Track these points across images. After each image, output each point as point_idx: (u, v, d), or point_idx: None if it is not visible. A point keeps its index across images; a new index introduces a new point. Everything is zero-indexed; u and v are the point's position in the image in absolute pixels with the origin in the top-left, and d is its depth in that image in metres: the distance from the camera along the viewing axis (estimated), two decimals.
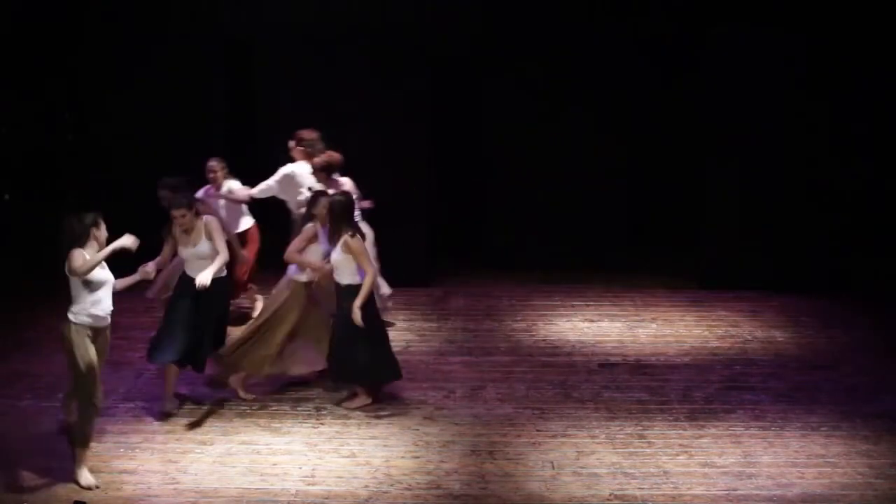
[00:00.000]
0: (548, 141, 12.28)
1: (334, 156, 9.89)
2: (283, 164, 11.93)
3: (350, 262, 8.43)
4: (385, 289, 10.13)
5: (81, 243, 7.33)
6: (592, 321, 10.91)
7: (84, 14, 12.37)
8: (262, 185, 10.23)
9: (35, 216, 12.66)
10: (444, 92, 12.24)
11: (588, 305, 11.36)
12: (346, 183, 9.98)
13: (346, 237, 8.41)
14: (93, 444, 8.02)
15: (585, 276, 12.04)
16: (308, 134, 10.18)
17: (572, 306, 11.32)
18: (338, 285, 8.56)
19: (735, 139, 11.66)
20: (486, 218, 12.69)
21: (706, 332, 10.59)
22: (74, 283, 7.41)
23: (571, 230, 12.33)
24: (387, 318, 9.97)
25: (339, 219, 8.48)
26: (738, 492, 7.40)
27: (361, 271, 8.45)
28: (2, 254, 12.25)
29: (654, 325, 10.78)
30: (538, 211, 12.40)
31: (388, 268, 10.89)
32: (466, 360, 9.81)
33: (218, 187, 10.27)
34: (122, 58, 12.27)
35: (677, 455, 7.93)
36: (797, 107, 11.51)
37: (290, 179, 10.12)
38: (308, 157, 10.12)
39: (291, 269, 8.85)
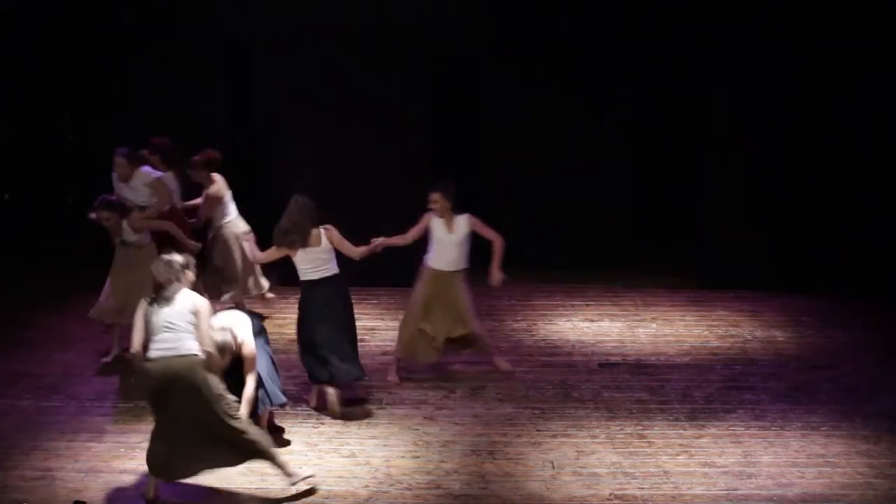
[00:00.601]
0: (548, 141, 12.27)
1: (214, 153, 10.15)
2: (281, 162, 11.98)
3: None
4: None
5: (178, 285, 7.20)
6: (592, 321, 10.90)
7: (84, 14, 12.37)
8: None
9: (35, 216, 12.68)
10: (443, 92, 12.22)
11: (588, 305, 11.36)
12: (219, 181, 10.15)
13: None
14: (92, 445, 8.08)
15: (585, 276, 12.04)
16: (162, 140, 10.36)
17: (572, 306, 11.32)
18: None
19: (735, 139, 11.66)
20: (486, 218, 12.65)
21: (706, 332, 10.59)
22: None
23: (572, 230, 12.31)
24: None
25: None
26: (738, 492, 7.40)
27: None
28: (2, 254, 12.25)
29: (654, 325, 10.78)
30: (538, 211, 12.39)
31: (389, 267, 10.89)
32: (466, 360, 9.80)
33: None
34: (121, 58, 12.27)
35: (677, 455, 7.93)
36: (797, 106, 11.50)
37: (159, 188, 10.13)
38: (165, 163, 10.29)
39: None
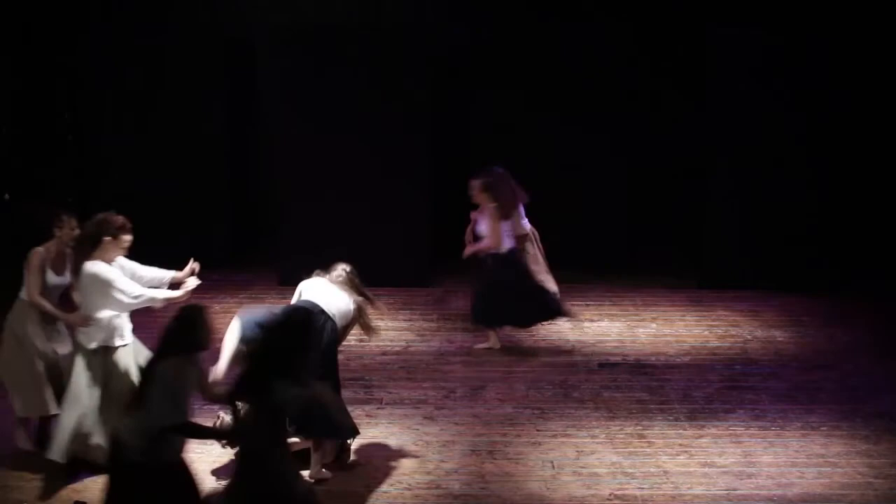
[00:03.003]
0: (547, 140, 12.27)
1: None
2: (280, 162, 11.96)
3: None
4: None
5: None
6: (592, 321, 10.90)
7: (84, 14, 12.37)
8: None
9: (35, 216, 12.66)
10: (443, 91, 12.23)
11: (588, 305, 11.36)
12: None
13: None
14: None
15: (585, 276, 12.04)
16: None
17: (572, 306, 11.30)
18: None
19: (735, 139, 11.66)
20: None
21: (706, 332, 10.59)
22: None
23: (572, 230, 12.31)
24: None
25: None
26: (738, 492, 7.40)
27: None
28: (1, 254, 12.23)
29: (654, 325, 10.78)
30: (538, 210, 12.37)
31: (389, 267, 10.90)
32: (466, 360, 9.81)
33: None
34: (121, 58, 12.27)
35: (677, 455, 7.94)
36: (797, 107, 11.51)
37: None
38: None
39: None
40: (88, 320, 7.27)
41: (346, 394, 8.91)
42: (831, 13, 11.46)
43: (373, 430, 8.32)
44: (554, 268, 12.21)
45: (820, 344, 10.29)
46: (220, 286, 11.38)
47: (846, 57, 11.41)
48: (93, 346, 7.29)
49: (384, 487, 7.45)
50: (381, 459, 7.85)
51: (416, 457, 7.92)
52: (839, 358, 9.90)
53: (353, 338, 10.23)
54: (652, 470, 7.70)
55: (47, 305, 7.66)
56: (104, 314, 7.26)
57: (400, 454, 7.95)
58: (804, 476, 7.62)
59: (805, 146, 11.55)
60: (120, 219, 7.31)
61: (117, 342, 7.34)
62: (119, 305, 7.20)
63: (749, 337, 10.46)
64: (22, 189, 12.71)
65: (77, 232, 7.58)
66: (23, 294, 7.73)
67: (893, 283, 11.67)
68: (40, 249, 7.68)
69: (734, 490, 7.42)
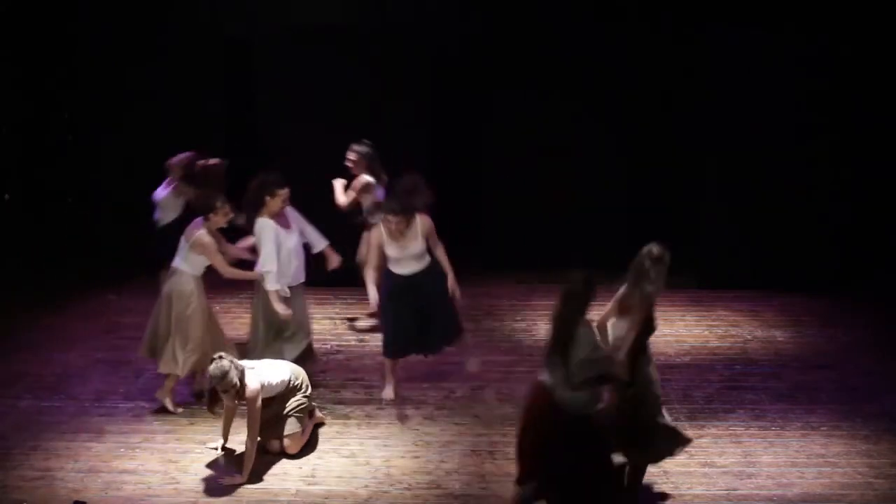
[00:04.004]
0: (547, 140, 12.25)
1: None
2: (280, 163, 11.92)
3: None
4: None
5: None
6: (592, 321, 10.86)
7: (84, 14, 12.37)
8: None
9: (35, 216, 12.68)
10: (444, 92, 12.22)
11: None
12: None
13: None
14: (92, 445, 8.07)
15: None
16: None
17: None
18: None
19: (735, 138, 11.65)
20: (486, 217, 12.67)
21: (706, 332, 10.58)
22: None
23: (571, 229, 12.30)
24: None
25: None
26: (738, 492, 7.41)
27: None
28: (2, 254, 12.25)
29: None
30: (538, 211, 12.39)
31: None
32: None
33: None
34: (121, 58, 12.27)
35: (677, 455, 7.92)
36: (797, 106, 11.50)
37: None
38: None
39: None
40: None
41: (346, 394, 8.95)
42: (830, 13, 11.45)
43: (373, 430, 8.32)
44: (553, 267, 12.25)
45: (820, 344, 10.28)
46: (221, 286, 11.36)
47: (845, 56, 11.40)
48: (285, 292, 8.41)
49: (384, 487, 7.45)
50: (381, 459, 7.85)
51: (416, 457, 7.92)
52: (839, 358, 9.89)
53: (353, 338, 10.29)
54: (652, 470, 7.69)
55: (241, 273, 8.63)
56: (281, 262, 8.35)
57: (400, 454, 7.94)
58: (804, 476, 7.62)
59: (805, 146, 11.54)
60: (272, 176, 8.43)
61: (293, 283, 8.51)
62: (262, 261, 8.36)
63: (749, 337, 10.46)
64: (22, 189, 12.74)
65: (231, 216, 8.49)
66: (190, 269, 8.45)
67: (893, 283, 11.66)
68: (205, 234, 8.38)
69: (734, 490, 7.42)
